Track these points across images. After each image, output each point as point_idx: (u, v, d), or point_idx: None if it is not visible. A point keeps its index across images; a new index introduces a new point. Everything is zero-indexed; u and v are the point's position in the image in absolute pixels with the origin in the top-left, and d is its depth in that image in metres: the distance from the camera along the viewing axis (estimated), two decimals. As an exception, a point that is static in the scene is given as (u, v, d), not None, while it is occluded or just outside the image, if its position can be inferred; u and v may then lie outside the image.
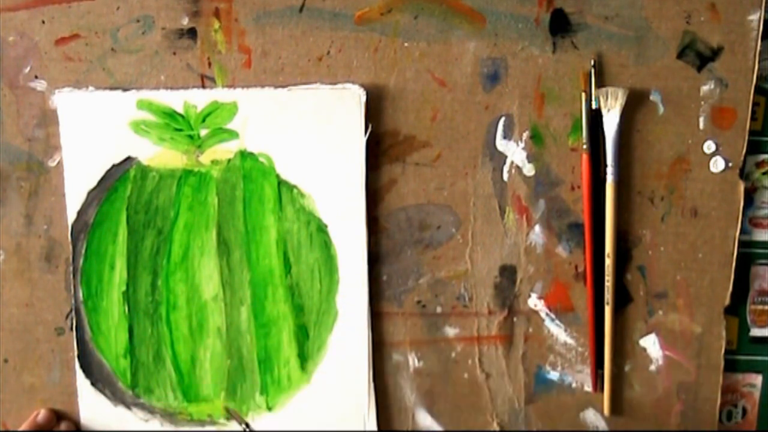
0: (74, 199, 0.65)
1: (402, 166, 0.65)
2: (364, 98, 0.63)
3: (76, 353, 0.67)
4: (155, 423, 0.68)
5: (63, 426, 0.68)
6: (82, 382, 0.68)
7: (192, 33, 0.64)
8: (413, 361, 0.68)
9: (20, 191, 0.66)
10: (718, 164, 0.64)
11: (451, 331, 0.67)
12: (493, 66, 0.63)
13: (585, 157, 0.64)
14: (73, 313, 0.67)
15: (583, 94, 0.63)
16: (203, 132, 0.64)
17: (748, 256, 0.66)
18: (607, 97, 0.62)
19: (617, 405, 0.68)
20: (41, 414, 0.68)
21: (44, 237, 0.67)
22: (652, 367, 0.67)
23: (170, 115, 0.64)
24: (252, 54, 0.64)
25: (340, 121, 0.63)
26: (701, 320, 0.66)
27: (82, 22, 0.64)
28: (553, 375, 0.68)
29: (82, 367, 0.67)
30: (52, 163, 0.66)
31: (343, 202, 0.65)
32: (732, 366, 0.68)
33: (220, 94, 0.64)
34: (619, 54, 0.63)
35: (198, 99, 0.64)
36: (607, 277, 0.65)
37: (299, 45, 0.64)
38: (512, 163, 0.65)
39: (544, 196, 0.65)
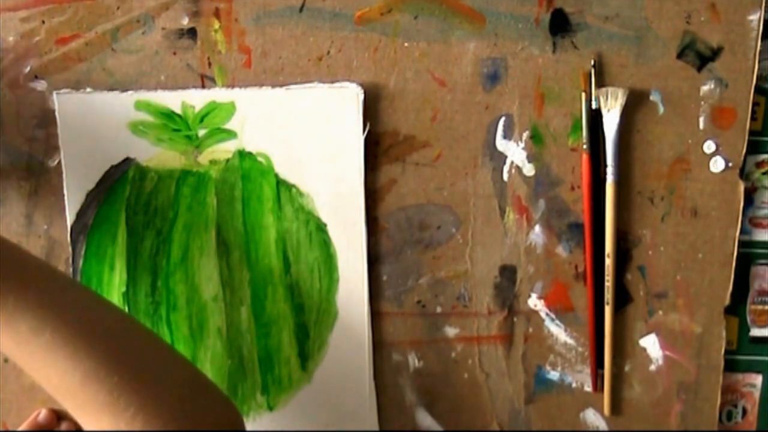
0: (73, 201, 0.65)
1: (402, 166, 0.65)
2: (361, 96, 0.63)
3: (76, 353, 0.67)
4: (155, 423, 0.68)
5: (63, 426, 0.68)
6: (82, 382, 0.68)
7: (192, 33, 0.64)
8: (413, 361, 0.68)
9: (20, 191, 0.66)
10: (718, 164, 0.64)
11: (451, 331, 0.68)
12: (493, 66, 0.63)
13: (585, 157, 0.64)
14: (73, 313, 0.67)
15: (583, 94, 0.63)
16: (201, 132, 0.64)
17: (748, 256, 0.66)
18: (607, 97, 0.62)
19: (617, 405, 0.68)
20: (42, 414, 0.68)
21: (44, 237, 0.67)
22: (652, 367, 0.67)
23: (168, 115, 0.64)
24: (252, 54, 0.64)
25: (338, 120, 0.63)
26: (701, 320, 0.66)
27: (82, 22, 0.64)
28: (553, 375, 0.68)
29: (82, 367, 0.67)
30: (52, 163, 0.66)
31: (341, 201, 0.65)
32: (732, 366, 0.68)
33: (217, 94, 0.64)
34: (619, 54, 0.63)
35: (196, 99, 0.64)
36: (607, 277, 0.65)
37: (299, 45, 0.64)
38: (512, 163, 0.65)
39: (544, 196, 0.65)
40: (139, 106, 0.64)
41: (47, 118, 0.65)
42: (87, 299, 0.53)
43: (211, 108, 0.64)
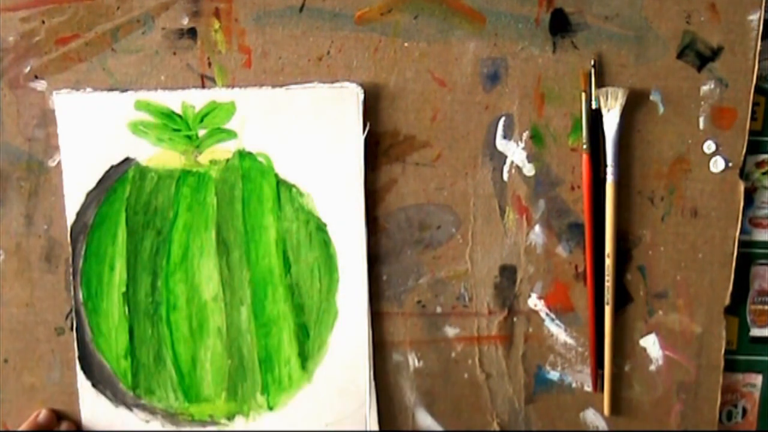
0: (73, 201, 0.65)
1: (402, 166, 0.65)
2: (361, 96, 0.63)
3: (76, 355, 0.67)
4: (156, 424, 0.68)
5: (64, 426, 0.68)
6: (83, 383, 0.68)
7: (192, 33, 0.64)
8: (413, 361, 0.68)
9: (20, 191, 0.66)
10: (718, 164, 0.64)
11: (451, 331, 0.67)
12: (493, 66, 0.63)
13: (585, 157, 0.64)
14: (74, 314, 0.67)
15: (583, 94, 0.63)
16: (201, 132, 0.64)
17: (748, 256, 0.66)
18: (607, 97, 0.62)
19: (617, 405, 0.68)
20: (42, 414, 0.68)
21: (44, 237, 0.67)
22: (652, 367, 0.67)
23: (168, 115, 0.64)
24: (252, 54, 0.64)
25: (338, 120, 0.63)
26: (701, 320, 0.66)
27: (82, 22, 0.64)
28: (553, 375, 0.68)
29: (82, 368, 0.67)
30: (52, 163, 0.66)
31: (341, 201, 0.65)
32: (732, 366, 0.68)
33: (218, 94, 0.64)
34: (619, 54, 0.63)
35: (196, 99, 0.64)
36: (607, 277, 0.65)
37: (299, 45, 0.64)
38: (512, 163, 0.65)
39: (544, 196, 0.65)
40: (139, 106, 0.64)
41: (47, 118, 0.65)
42: None
43: (211, 108, 0.64)
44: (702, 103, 0.63)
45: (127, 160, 0.65)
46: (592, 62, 0.63)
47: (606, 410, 0.68)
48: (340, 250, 0.66)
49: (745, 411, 0.69)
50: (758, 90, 0.63)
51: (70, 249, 0.66)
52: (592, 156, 0.64)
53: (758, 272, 0.67)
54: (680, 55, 0.62)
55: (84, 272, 0.66)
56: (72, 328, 0.67)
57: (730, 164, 0.64)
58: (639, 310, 0.66)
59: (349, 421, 0.68)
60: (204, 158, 0.65)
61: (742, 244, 0.65)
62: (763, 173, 0.65)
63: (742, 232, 0.65)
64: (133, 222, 0.66)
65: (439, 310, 0.67)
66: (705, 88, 0.63)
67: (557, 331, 0.67)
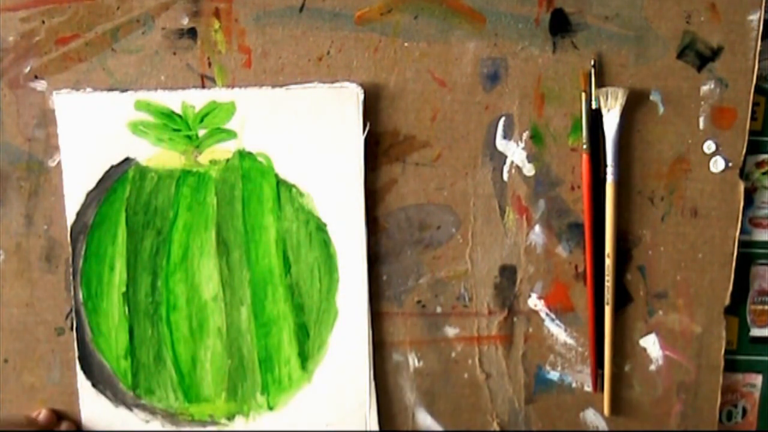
0: (73, 201, 0.65)
1: (402, 166, 0.65)
2: (361, 96, 0.63)
3: (76, 355, 0.67)
4: (156, 424, 0.68)
5: (64, 426, 0.68)
6: (83, 383, 0.68)
7: (192, 33, 0.64)
8: (413, 361, 0.68)
9: (20, 191, 0.66)
10: (718, 164, 0.64)
11: (451, 331, 0.67)
12: (493, 66, 0.63)
13: (585, 157, 0.64)
14: (73, 314, 0.67)
15: (583, 94, 0.63)
16: (201, 132, 0.64)
17: (748, 256, 0.66)
18: (607, 97, 0.62)
19: (617, 405, 0.68)
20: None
21: (44, 237, 0.67)
22: (652, 367, 0.67)
23: (168, 115, 0.64)
24: (252, 54, 0.64)
25: (338, 120, 0.63)
26: (701, 320, 0.66)
27: (82, 22, 0.64)
28: (553, 375, 0.68)
29: (82, 368, 0.67)
30: (52, 163, 0.66)
31: (342, 201, 0.65)
32: (732, 366, 0.68)
33: (218, 94, 0.64)
34: (619, 54, 0.63)
35: (196, 99, 0.64)
36: (607, 277, 0.65)
37: (299, 45, 0.64)
38: (512, 163, 0.65)
39: (544, 196, 0.65)
40: (139, 106, 0.64)
41: (47, 118, 0.65)
42: None
43: (211, 108, 0.64)
44: (702, 103, 0.63)
45: (127, 160, 0.65)
46: (592, 62, 0.63)
47: (606, 410, 0.68)
48: (340, 250, 0.66)
49: (745, 411, 0.69)
50: (758, 90, 0.63)
51: (70, 249, 0.66)
52: (592, 156, 0.64)
53: (758, 272, 0.67)
54: (680, 55, 0.62)
55: (84, 272, 0.66)
56: (72, 328, 0.67)
57: (730, 164, 0.64)
58: (639, 310, 0.66)
59: (349, 421, 0.68)
60: (204, 158, 0.65)
61: (742, 244, 0.65)
62: (763, 173, 0.65)
63: (742, 232, 0.65)
64: (133, 222, 0.66)
65: (439, 310, 0.67)
66: (705, 88, 0.63)
67: (557, 331, 0.67)
